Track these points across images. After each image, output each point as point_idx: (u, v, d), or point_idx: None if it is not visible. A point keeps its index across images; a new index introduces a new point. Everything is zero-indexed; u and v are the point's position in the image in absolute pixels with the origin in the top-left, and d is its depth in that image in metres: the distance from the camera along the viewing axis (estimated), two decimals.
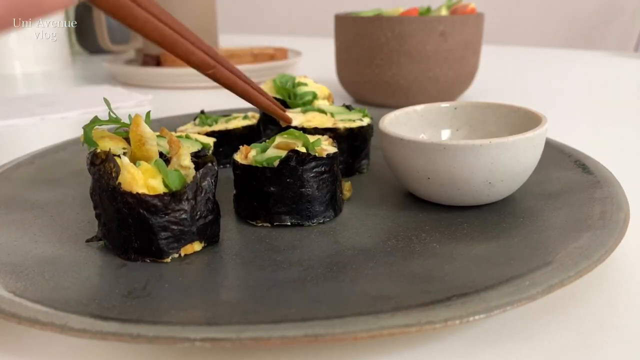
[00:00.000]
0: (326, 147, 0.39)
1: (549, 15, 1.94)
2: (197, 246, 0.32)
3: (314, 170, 0.36)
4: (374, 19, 0.68)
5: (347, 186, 0.40)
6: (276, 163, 0.35)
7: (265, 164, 0.36)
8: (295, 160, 0.35)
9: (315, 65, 1.02)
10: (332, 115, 0.47)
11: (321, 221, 0.36)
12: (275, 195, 0.36)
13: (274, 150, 0.37)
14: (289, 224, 0.36)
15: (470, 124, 0.44)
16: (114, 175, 0.31)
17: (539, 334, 0.26)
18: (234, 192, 0.38)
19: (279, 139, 0.38)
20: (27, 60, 1.13)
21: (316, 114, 0.48)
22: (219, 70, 0.33)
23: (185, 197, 0.31)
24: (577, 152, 0.44)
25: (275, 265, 0.30)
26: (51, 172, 0.46)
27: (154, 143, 0.33)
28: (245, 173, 0.36)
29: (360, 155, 0.46)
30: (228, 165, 0.49)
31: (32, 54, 1.13)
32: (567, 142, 0.47)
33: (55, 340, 0.26)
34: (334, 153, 0.38)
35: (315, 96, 0.52)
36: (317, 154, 0.36)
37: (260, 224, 0.36)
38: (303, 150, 0.36)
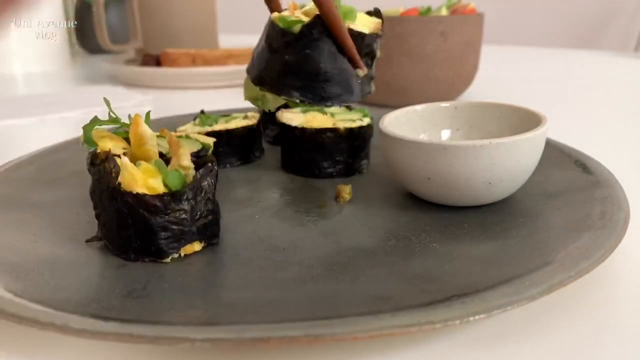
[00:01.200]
0: (365, 25, 0.34)
1: (549, 15, 1.94)
2: (197, 246, 0.32)
3: (335, 45, 0.32)
4: None
5: (346, 189, 0.40)
6: (297, 28, 0.31)
7: (289, 28, 0.31)
8: (318, 29, 0.31)
9: None
10: (332, 115, 0.47)
11: (336, 104, 0.33)
12: (290, 66, 0.32)
13: (300, 15, 0.32)
14: (297, 101, 0.33)
15: (470, 124, 0.44)
16: (113, 175, 0.31)
17: (539, 334, 0.26)
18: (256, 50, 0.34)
19: (311, 5, 0.33)
20: (27, 60, 1.13)
21: (316, 113, 0.48)
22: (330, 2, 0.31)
23: (185, 197, 0.31)
24: (577, 152, 0.44)
25: (275, 265, 0.30)
26: (51, 172, 0.46)
27: (154, 143, 0.33)
28: (272, 31, 0.32)
29: (360, 155, 0.46)
30: (228, 165, 0.49)
31: (32, 54, 1.13)
32: (567, 142, 0.47)
33: (55, 340, 0.26)
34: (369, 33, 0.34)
35: None
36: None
37: (263, 89, 0.33)
38: None
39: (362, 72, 0.34)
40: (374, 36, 0.34)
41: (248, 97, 0.35)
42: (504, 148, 0.34)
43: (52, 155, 0.50)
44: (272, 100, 0.34)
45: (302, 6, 0.34)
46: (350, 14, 0.34)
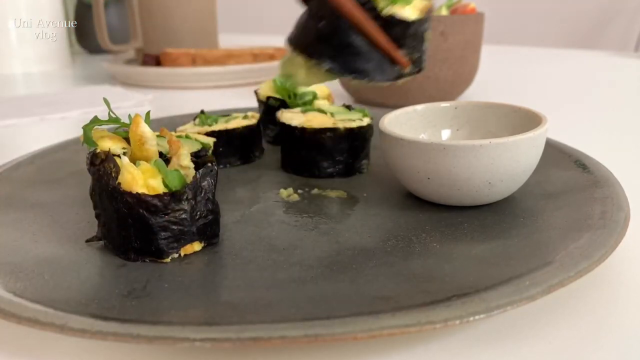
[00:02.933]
0: (414, 8, 0.34)
1: (549, 15, 1.94)
2: (197, 246, 0.32)
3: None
4: None
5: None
6: None
7: None
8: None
9: None
10: (332, 115, 0.47)
11: (364, 80, 0.32)
12: (324, 34, 0.32)
13: None
14: (325, 68, 0.32)
15: (470, 124, 0.44)
16: (113, 175, 0.31)
17: (539, 334, 0.26)
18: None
19: None
20: (27, 60, 1.13)
21: (316, 113, 0.48)
22: None
23: (185, 197, 0.31)
24: (577, 152, 0.44)
25: (275, 265, 0.30)
26: (51, 172, 0.46)
27: (154, 143, 0.33)
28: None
29: (360, 155, 0.46)
30: (228, 165, 0.49)
31: (32, 54, 1.13)
32: (567, 142, 0.47)
33: (55, 340, 0.26)
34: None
35: (315, 96, 0.52)
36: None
37: (296, 52, 0.33)
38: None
39: (406, 69, 0.33)
40: (421, 21, 0.34)
41: (281, 75, 0.36)
42: (504, 148, 0.34)
43: (52, 155, 0.50)
44: (303, 78, 0.34)
45: None
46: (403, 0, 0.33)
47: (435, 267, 0.29)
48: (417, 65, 0.34)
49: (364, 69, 0.32)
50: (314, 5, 0.32)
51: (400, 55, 0.33)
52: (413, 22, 0.33)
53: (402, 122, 0.43)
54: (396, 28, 0.33)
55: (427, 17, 0.34)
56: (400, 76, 0.34)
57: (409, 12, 0.33)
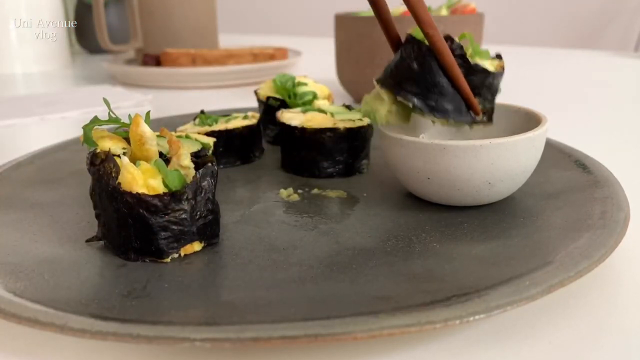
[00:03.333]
0: (490, 65, 0.38)
1: (549, 15, 1.94)
2: (197, 246, 0.32)
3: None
4: (374, 18, 0.68)
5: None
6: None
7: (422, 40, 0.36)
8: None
9: (315, 65, 1.02)
10: (332, 115, 0.47)
11: (442, 119, 0.36)
12: (413, 73, 0.36)
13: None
14: (410, 105, 0.36)
15: None
16: (113, 175, 0.31)
17: (539, 334, 0.26)
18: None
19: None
20: (27, 60, 1.13)
21: (316, 113, 0.48)
22: (438, 34, 0.34)
23: (185, 197, 0.31)
24: (577, 152, 0.44)
25: (275, 265, 0.30)
26: (51, 172, 0.46)
27: (154, 143, 0.33)
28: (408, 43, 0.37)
29: (360, 155, 0.46)
30: (228, 165, 0.49)
31: (32, 54, 1.13)
32: (567, 142, 0.47)
33: (55, 340, 0.26)
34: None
35: (315, 96, 0.52)
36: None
37: (383, 89, 0.37)
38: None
39: (478, 117, 0.37)
40: (497, 75, 0.38)
41: (363, 111, 0.39)
42: (504, 148, 0.34)
43: (52, 155, 0.50)
44: (384, 117, 0.38)
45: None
46: (484, 54, 0.38)
47: (435, 267, 0.29)
48: (487, 115, 0.38)
49: (446, 109, 0.36)
50: (408, 48, 0.36)
51: (476, 102, 0.37)
52: (492, 73, 0.37)
53: None
54: (478, 76, 0.37)
55: (501, 72, 0.38)
56: (472, 122, 0.37)
57: (488, 65, 0.37)
